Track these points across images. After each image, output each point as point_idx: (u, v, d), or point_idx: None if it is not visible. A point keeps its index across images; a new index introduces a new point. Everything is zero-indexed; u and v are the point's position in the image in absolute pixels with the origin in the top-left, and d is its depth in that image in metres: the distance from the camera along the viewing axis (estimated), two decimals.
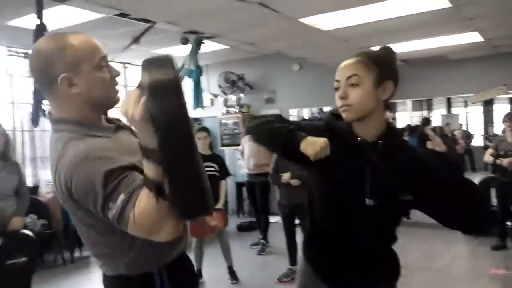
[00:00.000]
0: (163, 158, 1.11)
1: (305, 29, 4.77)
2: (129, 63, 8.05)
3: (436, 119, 13.01)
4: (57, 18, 4.48)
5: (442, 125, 11.38)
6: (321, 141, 1.45)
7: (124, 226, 1.21)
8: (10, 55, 6.32)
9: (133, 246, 1.35)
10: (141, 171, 1.22)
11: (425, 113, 13.75)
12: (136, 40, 5.63)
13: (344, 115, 1.56)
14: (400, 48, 6.06)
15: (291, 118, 9.38)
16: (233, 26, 4.57)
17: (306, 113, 10.35)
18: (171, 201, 1.18)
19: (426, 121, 9.57)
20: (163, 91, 1.08)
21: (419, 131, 9.31)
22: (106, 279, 1.47)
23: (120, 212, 1.19)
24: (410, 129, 9.98)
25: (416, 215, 5.79)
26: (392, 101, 5.83)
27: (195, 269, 4.61)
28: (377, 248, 1.67)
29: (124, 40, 5.63)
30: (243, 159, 6.34)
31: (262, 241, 5.96)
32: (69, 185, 1.24)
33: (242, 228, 7.30)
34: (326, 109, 9.27)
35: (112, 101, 1.40)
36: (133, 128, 1.35)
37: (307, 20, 4.48)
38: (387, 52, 1.61)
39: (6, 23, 4.87)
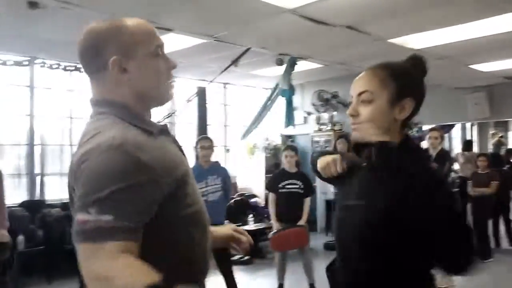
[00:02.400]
0: None
1: (396, 49, 4.76)
2: (228, 83, 8.57)
3: None
4: (166, 45, 4.97)
5: None
6: (329, 158, 1.46)
7: (86, 234, 0.99)
8: None
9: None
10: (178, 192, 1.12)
11: None
12: (234, 62, 6.02)
13: (353, 133, 1.40)
14: (503, 65, 5.76)
15: None
16: (322, 48, 4.73)
17: None
18: None
19: None
20: None
21: None
22: None
23: (98, 229, 0.98)
24: None
25: None
26: (505, 119, 5.51)
27: (278, 283, 4.83)
28: None
29: (224, 62, 6.05)
30: None
31: None
32: (77, 168, 1.06)
33: (329, 247, 7.30)
34: (425, 127, 8.96)
35: (163, 96, 1.24)
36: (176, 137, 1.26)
37: (397, 40, 4.48)
38: (413, 64, 1.39)
39: None
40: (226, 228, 1.51)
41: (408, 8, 3.56)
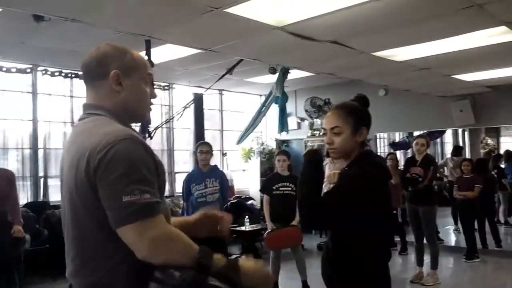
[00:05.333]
0: None
1: (380, 61, 5.05)
2: (224, 90, 8.86)
3: None
4: (163, 54, 5.30)
5: None
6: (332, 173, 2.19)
7: (138, 213, 1.18)
8: None
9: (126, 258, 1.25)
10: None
11: None
12: (229, 71, 6.31)
13: (331, 155, 2.08)
14: (485, 75, 6.05)
15: (382, 141, 9.54)
16: (310, 60, 5.01)
17: (397, 137, 10.39)
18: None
19: None
20: None
21: None
22: None
23: (146, 205, 1.19)
24: (507, 154, 9.52)
25: (508, 245, 5.62)
26: (495, 126, 5.76)
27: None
28: None
29: (219, 70, 6.34)
30: (324, 180, 6.65)
31: None
32: (104, 154, 1.21)
33: (322, 247, 7.55)
34: (416, 133, 9.25)
35: (143, 114, 1.48)
36: None
37: (381, 53, 4.76)
38: (360, 102, 2.08)
39: None
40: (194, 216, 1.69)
41: (388, 25, 3.82)
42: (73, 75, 6.89)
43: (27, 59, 6.30)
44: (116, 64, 1.40)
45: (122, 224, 1.19)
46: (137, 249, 1.21)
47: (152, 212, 1.22)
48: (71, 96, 6.95)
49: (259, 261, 1.39)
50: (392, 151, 8.81)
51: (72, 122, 6.93)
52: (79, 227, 1.30)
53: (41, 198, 6.60)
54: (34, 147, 6.65)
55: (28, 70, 6.58)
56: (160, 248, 1.22)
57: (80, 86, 6.94)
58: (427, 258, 5.56)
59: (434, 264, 5.47)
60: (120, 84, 1.40)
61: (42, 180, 6.67)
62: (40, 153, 6.70)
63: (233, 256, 6.84)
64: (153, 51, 4.57)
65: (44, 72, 6.68)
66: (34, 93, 6.67)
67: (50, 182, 6.75)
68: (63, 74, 6.83)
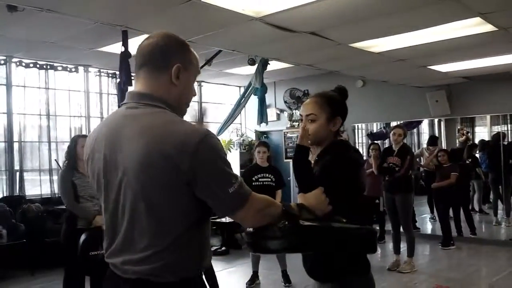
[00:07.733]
0: None
1: (358, 52, 5.09)
2: (203, 81, 8.81)
3: None
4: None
5: None
6: None
7: (243, 198, 1.36)
8: (99, 75, 7.28)
9: (184, 245, 1.37)
10: None
11: (504, 127, 13.12)
12: (208, 62, 6.27)
13: None
14: (460, 66, 6.15)
15: (360, 132, 9.64)
16: (288, 51, 5.03)
17: (374, 127, 10.51)
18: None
19: (498, 136, 9.30)
20: None
21: (489, 146, 9.09)
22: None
23: (244, 189, 1.36)
24: (482, 144, 9.74)
25: (483, 232, 5.80)
26: (470, 116, 5.85)
27: (252, 270, 5.13)
28: None
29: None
30: None
31: None
32: (192, 153, 1.27)
33: None
34: (393, 123, 9.37)
35: (185, 109, 1.54)
36: None
37: (358, 45, 4.80)
38: (339, 93, 2.09)
39: (97, 49, 5.72)
40: None
41: (366, 16, 3.85)
42: (48, 67, 6.76)
43: (0, 50, 6.15)
44: (178, 57, 1.43)
45: (236, 211, 1.38)
46: (246, 223, 1.49)
47: (248, 191, 1.40)
48: (47, 88, 6.82)
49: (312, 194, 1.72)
50: (371, 141, 8.92)
51: (48, 115, 6.81)
52: (156, 219, 1.35)
53: (17, 192, 6.49)
54: (9, 140, 6.51)
55: (2, 62, 6.42)
56: (263, 216, 1.46)
57: (55, 78, 6.83)
58: (403, 246, 5.67)
59: (411, 252, 5.60)
60: (178, 78, 1.43)
61: (18, 174, 6.54)
62: (16, 146, 6.56)
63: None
64: (130, 41, 4.51)
65: (18, 63, 6.54)
66: (8, 85, 6.52)
67: (26, 176, 6.64)
68: (38, 66, 6.69)
